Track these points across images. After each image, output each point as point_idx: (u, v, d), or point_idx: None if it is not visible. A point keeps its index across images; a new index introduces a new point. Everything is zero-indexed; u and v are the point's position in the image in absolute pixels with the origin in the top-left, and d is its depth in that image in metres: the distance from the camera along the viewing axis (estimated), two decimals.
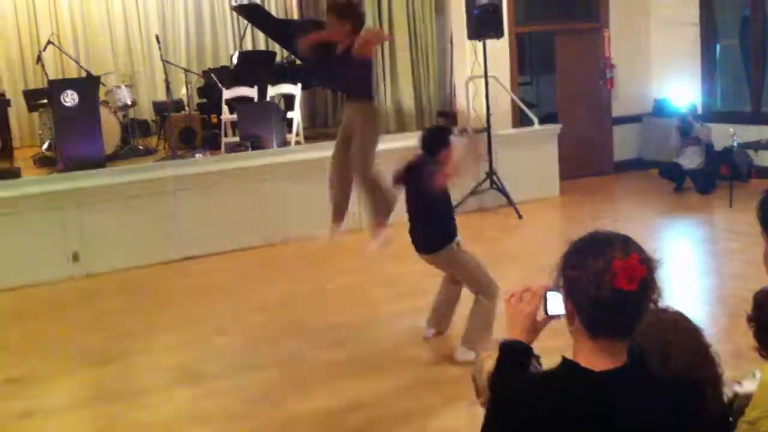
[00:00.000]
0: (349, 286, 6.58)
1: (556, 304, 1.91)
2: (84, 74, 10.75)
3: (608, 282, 1.72)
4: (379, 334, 5.63)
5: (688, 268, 7.05)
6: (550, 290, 1.93)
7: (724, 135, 9.33)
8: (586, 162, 10.71)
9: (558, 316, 1.93)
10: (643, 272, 1.74)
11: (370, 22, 10.17)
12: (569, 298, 1.82)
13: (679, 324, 2.11)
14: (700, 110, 10.24)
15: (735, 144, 9.17)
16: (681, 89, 10.47)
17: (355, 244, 7.02)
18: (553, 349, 2.15)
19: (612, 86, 10.76)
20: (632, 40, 10.81)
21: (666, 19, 10.74)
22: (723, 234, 8.18)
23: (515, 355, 1.96)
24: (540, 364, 2.23)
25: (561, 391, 1.78)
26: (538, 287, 1.98)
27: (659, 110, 10.87)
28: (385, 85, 10.33)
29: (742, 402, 2.15)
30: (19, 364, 5.57)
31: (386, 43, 10.31)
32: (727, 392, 2.17)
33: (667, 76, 10.78)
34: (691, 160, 9.56)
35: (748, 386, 2.16)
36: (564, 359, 1.84)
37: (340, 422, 4.49)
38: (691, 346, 2.07)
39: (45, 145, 10.12)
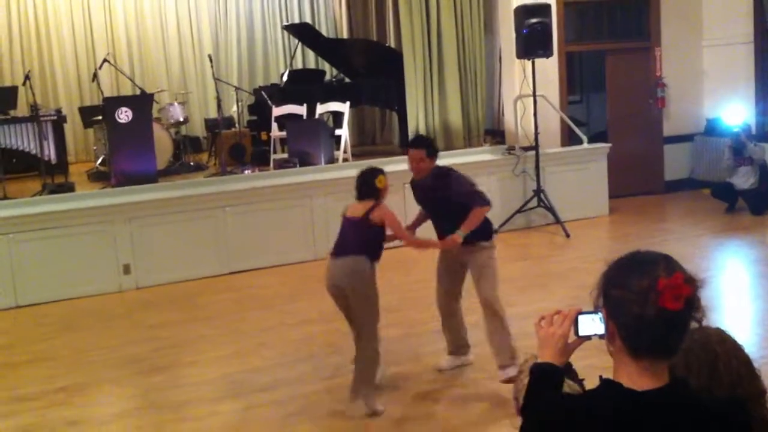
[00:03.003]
0: (393, 303, 6.58)
1: (587, 325, 1.90)
2: (138, 92, 10.96)
3: (653, 301, 1.70)
4: (422, 351, 5.61)
5: (741, 290, 6.91)
6: (582, 312, 1.92)
7: None
8: (636, 181, 10.59)
9: (589, 337, 1.92)
10: (689, 291, 1.72)
11: (419, 42, 10.20)
12: (611, 318, 1.79)
13: (725, 338, 2.07)
14: (753, 130, 10.07)
15: None
16: (734, 108, 10.30)
17: (400, 260, 7.04)
18: (590, 368, 2.13)
19: (663, 105, 10.64)
20: (684, 58, 10.68)
21: (719, 38, 10.59)
22: None
23: (546, 378, 1.94)
24: (580, 380, 2.21)
25: (603, 411, 1.75)
26: (569, 309, 1.97)
27: (711, 129, 10.70)
28: (433, 104, 10.34)
29: None
30: (69, 374, 5.69)
31: (435, 62, 10.33)
32: None
33: (719, 95, 10.62)
34: (744, 179, 9.39)
35: None
36: (604, 379, 1.82)
37: None
38: (739, 359, 2.04)
39: (99, 161, 10.33)
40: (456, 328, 5.35)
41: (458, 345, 5.37)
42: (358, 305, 4.82)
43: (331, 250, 5.00)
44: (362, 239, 4.85)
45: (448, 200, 5.01)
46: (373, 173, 4.91)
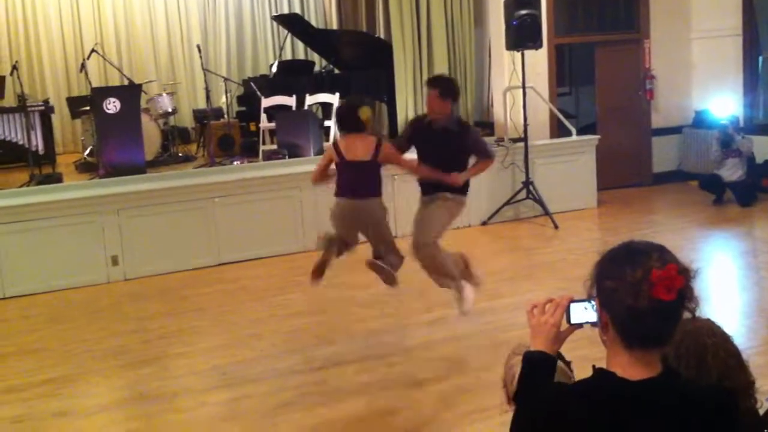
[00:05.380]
0: (384, 294, 6.58)
1: (579, 313, 1.90)
2: (126, 82, 10.91)
3: (646, 292, 1.71)
4: (412, 342, 5.62)
5: (728, 281, 6.95)
6: (574, 300, 1.92)
7: (766, 147, 9.18)
8: (624, 173, 10.62)
9: (581, 326, 1.92)
10: (682, 282, 1.73)
11: (409, 34, 10.18)
12: (604, 308, 1.80)
13: (714, 329, 2.08)
14: (741, 122, 10.11)
15: None
16: (722, 101, 10.34)
17: None
18: (582, 358, 2.14)
19: (652, 97, 10.66)
20: (673, 50, 10.70)
21: (707, 30, 10.62)
22: (763, 247, 8.06)
23: (539, 366, 1.95)
24: (571, 370, 2.22)
25: (597, 400, 1.76)
26: (561, 298, 1.97)
27: (700, 122, 10.74)
28: (422, 95, 10.32)
29: None
30: (57, 365, 5.66)
31: (425, 54, 10.32)
32: (763, 403, 2.14)
33: (708, 88, 10.65)
34: (731, 172, 9.43)
35: None
36: (598, 369, 1.83)
37: (371, 429, 4.50)
38: (728, 351, 2.05)
39: (87, 151, 10.28)
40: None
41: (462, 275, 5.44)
42: (382, 233, 5.31)
43: (344, 191, 5.16)
44: (377, 181, 5.14)
45: (457, 147, 5.15)
46: (355, 105, 5.11)
